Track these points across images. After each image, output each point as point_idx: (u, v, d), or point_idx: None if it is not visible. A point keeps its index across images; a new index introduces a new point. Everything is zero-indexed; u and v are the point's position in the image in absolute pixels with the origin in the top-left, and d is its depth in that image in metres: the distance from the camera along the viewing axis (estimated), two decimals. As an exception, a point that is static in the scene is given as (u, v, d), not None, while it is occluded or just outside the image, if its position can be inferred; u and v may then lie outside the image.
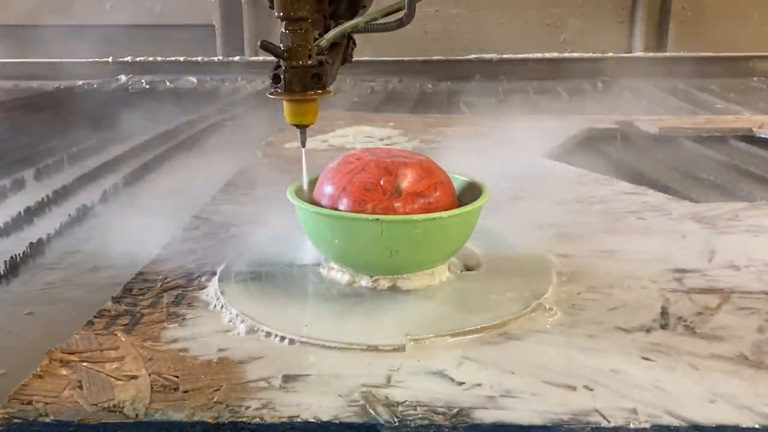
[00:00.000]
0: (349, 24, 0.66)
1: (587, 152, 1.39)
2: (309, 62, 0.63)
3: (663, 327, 0.56)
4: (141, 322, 0.57)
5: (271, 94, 0.65)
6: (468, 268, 0.68)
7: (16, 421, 0.44)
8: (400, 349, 0.52)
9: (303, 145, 0.68)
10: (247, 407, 0.45)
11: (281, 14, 0.62)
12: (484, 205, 0.63)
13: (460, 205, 0.64)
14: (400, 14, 0.64)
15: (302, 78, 0.63)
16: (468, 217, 0.63)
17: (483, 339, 0.54)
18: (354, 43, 0.73)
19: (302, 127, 0.67)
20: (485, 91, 2.38)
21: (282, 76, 0.63)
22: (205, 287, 0.64)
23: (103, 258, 0.80)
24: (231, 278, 0.65)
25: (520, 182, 1.03)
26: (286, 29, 0.62)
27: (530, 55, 2.72)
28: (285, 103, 0.65)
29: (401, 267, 0.62)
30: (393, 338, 0.53)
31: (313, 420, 0.44)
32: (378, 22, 0.66)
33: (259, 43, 0.61)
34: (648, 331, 0.56)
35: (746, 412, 0.44)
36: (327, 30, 0.67)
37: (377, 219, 0.58)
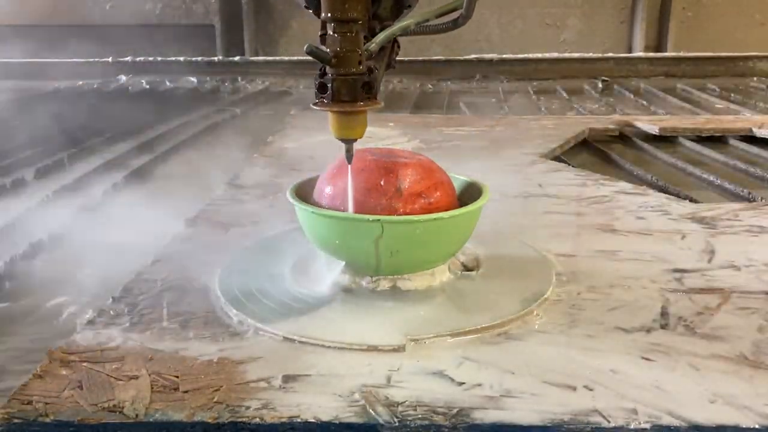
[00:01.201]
0: (399, 26, 0.60)
1: (587, 152, 1.39)
2: (359, 69, 0.57)
3: (663, 327, 0.56)
4: (141, 322, 0.57)
5: (316, 104, 0.59)
6: (468, 269, 0.68)
7: (16, 421, 0.44)
8: (400, 349, 0.52)
9: (349, 161, 0.61)
10: (247, 407, 0.45)
11: (329, 15, 0.56)
12: (485, 205, 0.63)
13: (460, 206, 0.64)
14: (455, 14, 0.60)
15: (352, 87, 0.57)
16: (469, 218, 0.63)
17: (483, 339, 0.54)
18: (398, 47, 0.66)
19: (349, 142, 0.61)
20: (485, 91, 2.39)
21: (329, 85, 0.57)
22: (205, 287, 0.64)
23: (103, 257, 0.80)
24: (231, 278, 0.65)
25: (520, 182, 1.03)
26: (334, 32, 0.56)
27: (530, 55, 2.72)
28: (331, 116, 0.59)
29: (402, 267, 0.62)
30: (393, 338, 0.53)
31: (313, 420, 0.44)
32: (430, 23, 0.61)
33: (305, 48, 0.55)
34: (648, 331, 0.56)
35: (746, 412, 0.44)
36: (371, 32, 0.61)
37: (378, 219, 0.58)
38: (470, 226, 0.64)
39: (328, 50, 0.56)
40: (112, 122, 1.71)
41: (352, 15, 0.56)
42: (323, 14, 0.57)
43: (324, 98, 0.58)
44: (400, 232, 0.59)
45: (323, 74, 0.58)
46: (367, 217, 0.58)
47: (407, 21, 0.61)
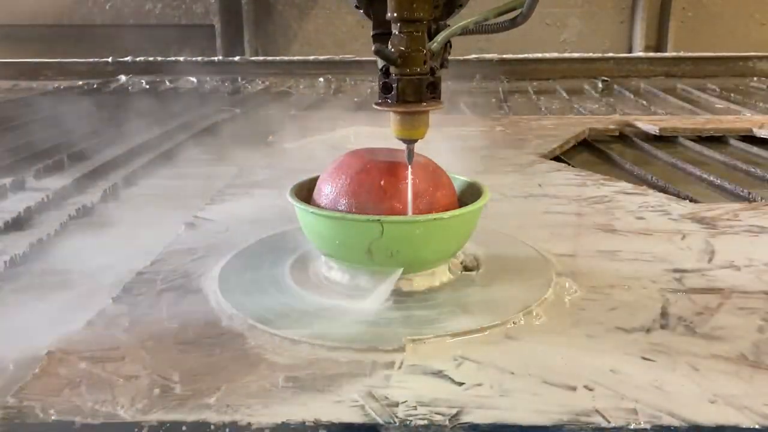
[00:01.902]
0: (459, 25, 0.60)
1: (587, 152, 1.39)
2: (423, 69, 0.57)
3: (663, 327, 0.56)
4: (141, 322, 0.57)
5: (379, 104, 0.59)
6: (468, 269, 0.68)
7: (16, 421, 0.44)
8: (400, 349, 0.52)
9: (410, 162, 0.61)
10: (247, 407, 0.45)
11: (395, 15, 0.56)
12: (485, 205, 0.63)
13: (460, 206, 0.64)
14: (513, 14, 0.60)
15: (417, 87, 0.57)
16: (469, 218, 0.63)
17: (483, 339, 0.54)
18: (450, 46, 0.65)
19: (411, 142, 0.61)
20: (485, 91, 2.38)
21: (394, 85, 0.57)
22: (205, 287, 0.64)
23: (104, 258, 0.80)
24: (231, 278, 0.65)
25: (520, 182, 1.03)
26: (400, 32, 0.57)
27: (530, 55, 2.72)
28: (393, 116, 0.60)
29: (402, 267, 0.62)
30: (393, 338, 0.53)
31: (313, 420, 0.44)
32: (488, 22, 0.61)
33: (373, 49, 0.55)
34: (648, 331, 0.56)
35: (746, 412, 0.44)
36: (428, 32, 0.61)
37: (378, 219, 0.58)
38: (470, 226, 0.64)
39: (393, 50, 0.57)
40: (111, 123, 1.71)
41: (419, 15, 0.56)
42: (389, 14, 0.57)
43: (388, 98, 0.58)
44: (400, 232, 0.59)
45: (386, 74, 0.58)
46: (366, 217, 0.58)
47: (467, 20, 0.60)
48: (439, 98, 0.60)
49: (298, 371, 0.49)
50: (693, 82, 2.47)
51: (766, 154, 1.29)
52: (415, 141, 0.61)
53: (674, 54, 2.83)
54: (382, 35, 0.61)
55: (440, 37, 0.60)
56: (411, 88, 0.58)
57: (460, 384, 0.48)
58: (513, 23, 0.60)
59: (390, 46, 0.57)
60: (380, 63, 0.60)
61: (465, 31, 0.61)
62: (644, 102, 2.09)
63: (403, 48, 0.57)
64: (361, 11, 0.63)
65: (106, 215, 0.95)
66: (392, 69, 0.58)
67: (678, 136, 1.44)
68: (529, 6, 0.58)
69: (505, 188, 0.98)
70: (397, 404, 0.45)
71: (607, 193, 0.96)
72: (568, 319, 0.58)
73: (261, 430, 0.43)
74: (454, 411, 0.44)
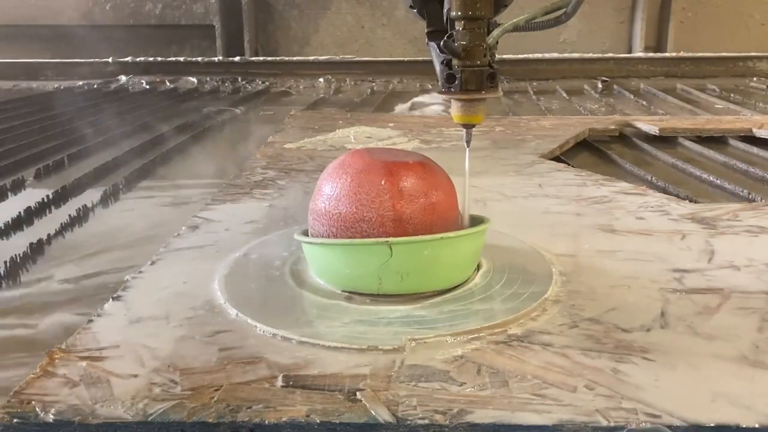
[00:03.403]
0: (511, 23, 0.65)
1: (587, 152, 1.39)
2: (483, 61, 0.63)
3: (663, 327, 0.56)
4: (141, 322, 0.57)
5: (443, 92, 0.65)
6: (468, 268, 0.68)
7: (16, 421, 0.44)
8: (400, 349, 0.52)
9: (468, 144, 0.68)
10: (248, 407, 0.45)
11: (459, 13, 0.62)
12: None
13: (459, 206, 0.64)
14: (558, 12, 0.64)
15: (478, 77, 0.63)
16: (474, 238, 0.63)
17: (483, 339, 0.54)
18: (497, 42, 0.70)
19: (470, 127, 0.67)
20: (485, 91, 2.38)
21: (458, 76, 0.63)
22: (205, 287, 0.64)
23: (105, 258, 0.80)
24: (231, 278, 0.65)
25: (520, 182, 1.03)
26: (463, 29, 0.63)
27: (530, 55, 2.72)
28: (455, 103, 0.65)
29: (413, 289, 0.61)
30: (393, 338, 0.53)
31: (313, 420, 0.44)
32: (536, 20, 0.65)
33: (441, 43, 0.62)
34: (648, 331, 0.56)
35: (746, 412, 0.44)
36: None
37: (386, 242, 0.58)
38: (478, 247, 0.64)
39: (457, 45, 0.62)
40: (113, 122, 1.71)
41: (480, 13, 0.62)
42: (453, 12, 0.62)
43: (451, 87, 0.64)
44: (408, 252, 0.59)
45: (449, 66, 0.63)
46: (375, 240, 0.59)
47: (518, 18, 0.65)
48: (497, 88, 0.65)
49: (298, 371, 0.49)
50: (693, 82, 2.47)
51: (766, 154, 1.29)
52: (474, 126, 0.67)
53: (674, 54, 2.83)
54: (435, 33, 0.67)
55: (496, 33, 0.64)
56: (473, 78, 0.63)
57: (461, 384, 0.48)
58: (557, 21, 0.64)
59: (454, 41, 0.63)
60: (439, 56, 0.65)
61: (516, 28, 0.65)
62: (644, 102, 2.09)
63: (465, 43, 0.62)
64: (415, 11, 0.68)
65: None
66: (455, 61, 0.63)
67: (678, 137, 1.44)
68: (574, 6, 0.62)
69: (505, 188, 0.98)
70: (397, 404, 0.45)
71: (607, 193, 0.96)
72: (568, 319, 0.58)
73: (261, 429, 0.43)
74: (454, 411, 0.44)
